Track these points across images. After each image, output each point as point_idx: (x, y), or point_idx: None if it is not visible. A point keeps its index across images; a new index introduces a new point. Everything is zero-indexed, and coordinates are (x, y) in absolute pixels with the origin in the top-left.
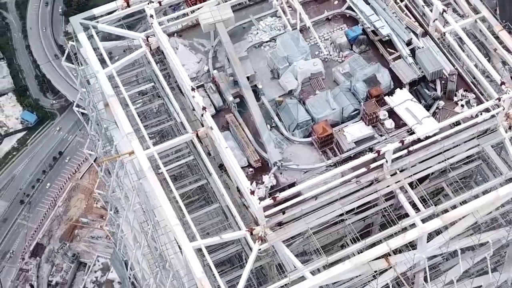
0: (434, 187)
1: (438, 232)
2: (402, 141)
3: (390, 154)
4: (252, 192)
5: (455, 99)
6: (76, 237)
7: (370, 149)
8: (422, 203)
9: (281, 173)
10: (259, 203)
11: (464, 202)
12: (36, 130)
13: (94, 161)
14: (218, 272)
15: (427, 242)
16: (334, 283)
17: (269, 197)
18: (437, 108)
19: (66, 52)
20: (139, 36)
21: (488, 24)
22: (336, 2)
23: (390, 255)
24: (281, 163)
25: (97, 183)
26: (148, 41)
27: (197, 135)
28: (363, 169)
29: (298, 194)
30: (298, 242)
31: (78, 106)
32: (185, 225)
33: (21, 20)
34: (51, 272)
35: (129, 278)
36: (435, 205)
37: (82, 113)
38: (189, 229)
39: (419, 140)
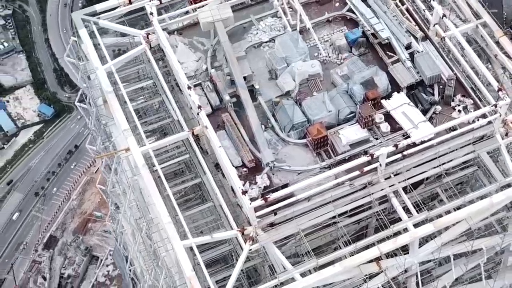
0: (429, 192)
1: (433, 237)
2: (396, 145)
3: (384, 158)
4: (244, 192)
5: (453, 104)
6: (89, 231)
7: (365, 152)
8: (415, 208)
9: (273, 174)
10: (250, 203)
11: (458, 208)
12: (52, 123)
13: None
14: (211, 271)
15: (421, 247)
16: (325, 285)
17: (261, 198)
18: (434, 113)
19: (68, 47)
20: (140, 33)
21: (489, 30)
22: (337, 4)
23: (382, 259)
24: (274, 164)
25: (99, 178)
26: (148, 38)
27: (193, 133)
28: (357, 172)
29: (290, 196)
30: (291, 243)
31: (80, 101)
32: (178, 223)
33: (41, 14)
34: (63, 264)
35: (129, 274)
36: (428, 210)
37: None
38: (182, 227)
39: (414, 145)
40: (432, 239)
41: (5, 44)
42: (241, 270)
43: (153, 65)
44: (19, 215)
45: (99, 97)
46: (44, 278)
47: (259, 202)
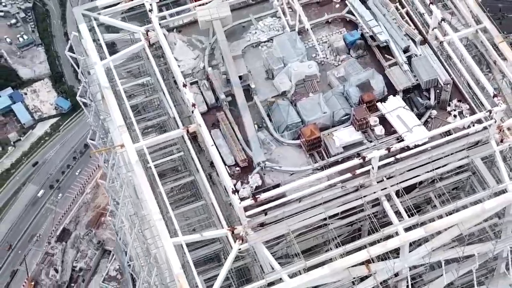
0: (423, 196)
1: (425, 241)
2: (388, 149)
3: (376, 161)
4: (234, 191)
5: (449, 109)
6: (102, 225)
7: (358, 155)
8: (407, 212)
9: (264, 174)
10: (240, 202)
11: (450, 213)
12: (69, 116)
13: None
14: (204, 269)
15: (412, 251)
16: (314, 287)
17: (251, 197)
18: (429, 117)
19: (69, 42)
20: (139, 30)
21: (489, 35)
22: (337, 6)
23: (373, 262)
24: (265, 164)
25: (100, 172)
26: (148, 35)
27: (187, 131)
28: (349, 174)
29: (282, 196)
30: (282, 244)
31: (81, 96)
32: (170, 220)
33: (61, 7)
34: (75, 257)
35: (129, 270)
36: (419, 215)
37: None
38: (172, 225)
39: (408, 148)
40: (424, 244)
41: (25, 37)
42: (232, 269)
43: (151, 62)
44: (44, 192)
45: (97, 92)
46: (56, 271)
47: (249, 201)
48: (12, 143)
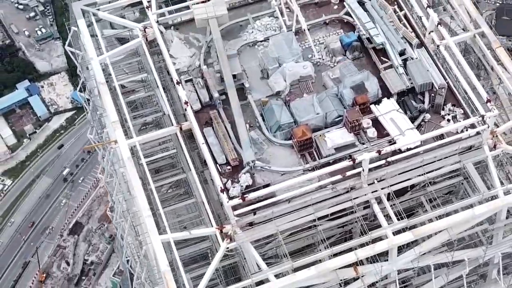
0: (415, 200)
1: (416, 245)
2: (379, 151)
3: (367, 163)
4: (222, 190)
5: (443, 113)
6: None
7: (350, 157)
8: (397, 215)
9: (253, 174)
10: (228, 201)
11: (440, 217)
12: (84, 110)
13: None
14: (194, 268)
15: (401, 254)
16: None
17: (239, 197)
18: (423, 120)
19: (69, 36)
20: (137, 26)
21: (487, 40)
22: (335, 7)
23: (362, 264)
24: (254, 164)
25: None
26: (145, 32)
27: (181, 128)
28: (339, 176)
29: (271, 196)
30: (272, 244)
31: (80, 91)
32: (161, 217)
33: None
34: (87, 251)
35: (127, 265)
36: (409, 219)
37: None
38: (166, 221)
39: (400, 152)
40: (413, 248)
41: (43, 30)
42: (220, 268)
43: (148, 58)
44: (69, 171)
45: (94, 87)
46: (68, 263)
47: (237, 200)
48: (27, 135)
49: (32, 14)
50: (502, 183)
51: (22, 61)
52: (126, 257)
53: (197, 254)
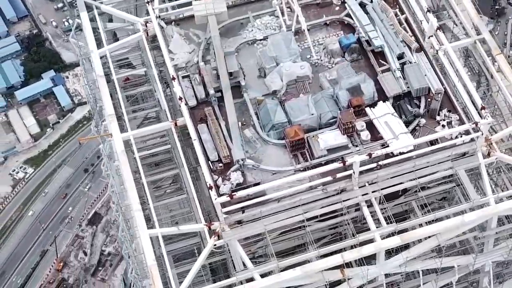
0: (407, 205)
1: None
2: (370, 154)
3: (357, 166)
4: (211, 187)
5: (438, 118)
6: None
7: (342, 159)
8: (387, 219)
9: (242, 172)
10: (216, 198)
11: (430, 223)
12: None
13: None
14: (183, 263)
15: (390, 258)
16: None
17: (227, 194)
18: (417, 125)
19: (73, 28)
20: (138, 20)
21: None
22: (337, 8)
23: (351, 267)
24: (243, 162)
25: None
26: (146, 26)
27: (175, 124)
28: (329, 178)
29: (261, 195)
30: (262, 243)
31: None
32: (152, 211)
33: None
34: (105, 242)
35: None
36: (398, 223)
37: None
38: (157, 216)
39: (392, 155)
40: (401, 252)
41: (70, 21)
42: (209, 265)
43: (147, 53)
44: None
45: (94, 80)
46: (85, 253)
47: (225, 198)
48: (51, 125)
49: (60, 5)
50: (493, 191)
51: (48, 51)
52: (125, 250)
53: (188, 249)
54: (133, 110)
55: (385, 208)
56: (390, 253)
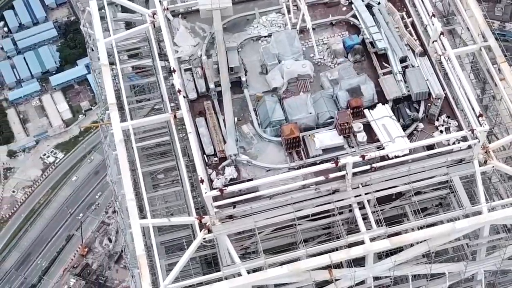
0: (402, 209)
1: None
2: (363, 156)
3: (350, 167)
4: (202, 181)
5: (437, 123)
6: None
7: (335, 159)
8: (378, 223)
9: (235, 167)
10: (205, 192)
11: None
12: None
13: None
14: (177, 254)
15: (380, 261)
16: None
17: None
18: (415, 129)
19: (83, 17)
20: (146, 12)
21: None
22: (344, 9)
23: (342, 267)
24: (236, 157)
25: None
26: (154, 18)
27: (175, 116)
28: (321, 177)
29: (253, 191)
30: (253, 239)
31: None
32: (150, 201)
33: None
34: None
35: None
36: (388, 226)
37: None
38: (152, 206)
39: (388, 158)
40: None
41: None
42: (199, 258)
43: (152, 45)
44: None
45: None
46: (110, 240)
47: (215, 192)
48: (83, 111)
49: None
50: (487, 200)
51: (84, 38)
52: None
53: (181, 242)
54: (137, 101)
55: (377, 211)
56: (385, 256)
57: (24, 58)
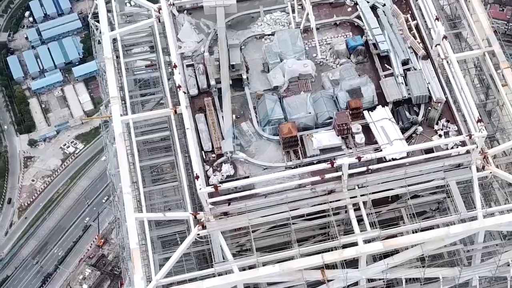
0: (398, 212)
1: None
2: (359, 157)
3: (346, 168)
4: (197, 177)
5: (436, 127)
6: None
7: (331, 160)
8: (372, 225)
9: (231, 165)
10: (200, 188)
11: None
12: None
13: None
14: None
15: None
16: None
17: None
18: (414, 133)
19: (92, 10)
20: (152, 6)
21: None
22: (349, 9)
23: (336, 268)
24: (231, 155)
25: None
26: (159, 13)
27: (175, 111)
28: (317, 178)
29: (249, 189)
30: (249, 237)
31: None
32: (148, 195)
33: None
34: None
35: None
36: (382, 228)
37: None
38: (149, 200)
39: (385, 160)
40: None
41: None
42: (203, 254)
43: (156, 40)
44: None
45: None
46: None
47: (209, 189)
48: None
49: None
50: (483, 206)
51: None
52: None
53: (178, 236)
54: (142, 95)
55: (373, 213)
56: (380, 258)
57: (48, 48)
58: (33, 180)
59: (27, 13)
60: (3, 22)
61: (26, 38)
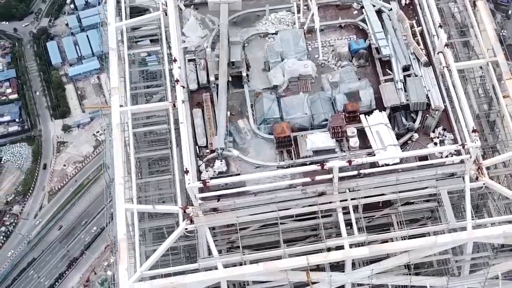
0: (389, 218)
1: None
2: (349, 161)
3: (337, 171)
4: (187, 171)
5: (432, 135)
6: None
7: (322, 162)
8: (360, 229)
9: (221, 161)
10: (189, 183)
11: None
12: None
13: None
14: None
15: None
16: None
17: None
18: (410, 139)
19: (102, 2)
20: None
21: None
22: (355, 12)
23: (324, 270)
24: (222, 151)
25: None
26: (166, 6)
27: (174, 105)
28: (307, 179)
29: (240, 186)
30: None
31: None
32: (143, 187)
33: None
34: None
35: None
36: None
37: None
38: (144, 192)
39: (378, 165)
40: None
41: None
42: (181, 247)
43: (161, 33)
44: None
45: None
46: None
47: (198, 184)
48: None
49: None
50: (473, 217)
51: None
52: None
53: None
54: (145, 87)
55: (362, 218)
56: (367, 263)
57: (87, 36)
58: (64, 165)
59: (68, 0)
60: (45, 8)
61: (66, 24)
